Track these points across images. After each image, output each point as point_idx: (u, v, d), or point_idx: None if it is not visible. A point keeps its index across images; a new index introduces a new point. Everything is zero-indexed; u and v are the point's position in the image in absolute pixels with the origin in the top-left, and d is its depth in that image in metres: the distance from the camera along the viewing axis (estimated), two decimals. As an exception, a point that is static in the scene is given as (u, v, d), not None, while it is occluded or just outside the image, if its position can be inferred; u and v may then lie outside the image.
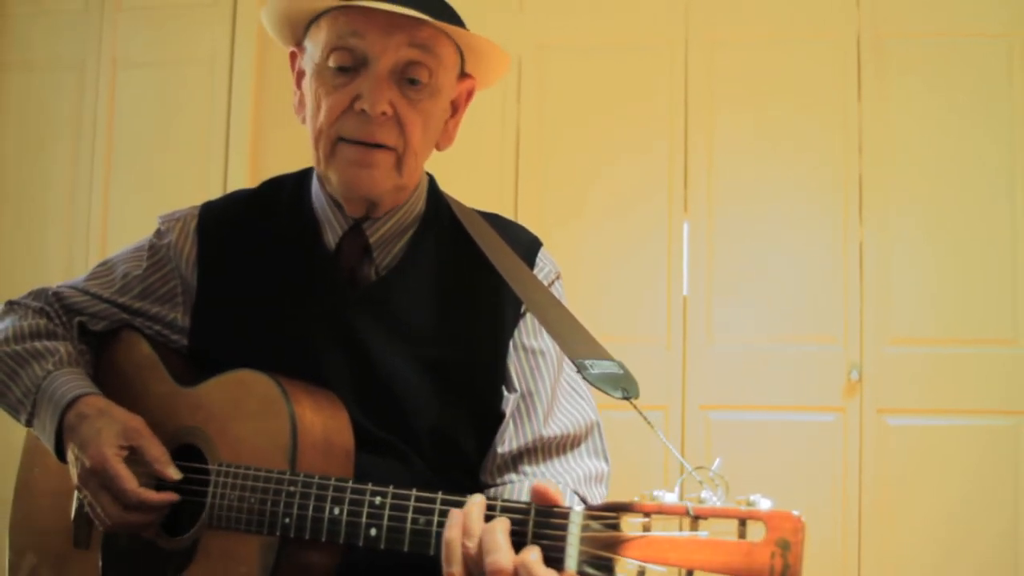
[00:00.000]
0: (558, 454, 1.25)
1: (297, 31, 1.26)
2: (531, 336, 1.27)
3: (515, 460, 1.24)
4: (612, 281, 3.03)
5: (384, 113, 1.17)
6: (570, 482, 1.22)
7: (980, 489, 2.83)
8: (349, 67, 1.18)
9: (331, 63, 1.19)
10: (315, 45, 1.21)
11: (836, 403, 2.90)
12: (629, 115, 3.09)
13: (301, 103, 1.26)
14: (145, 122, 3.32)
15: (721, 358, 2.98)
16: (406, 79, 1.18)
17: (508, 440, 1.24)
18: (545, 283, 1.29)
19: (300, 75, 1.26)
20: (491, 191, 3.08)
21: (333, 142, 1.20)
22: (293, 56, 1.29)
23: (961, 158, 2.92)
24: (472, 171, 3.03)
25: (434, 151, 1.29)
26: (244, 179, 3.18)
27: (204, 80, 3.28)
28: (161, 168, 3.27)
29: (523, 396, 1.25)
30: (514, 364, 1.26)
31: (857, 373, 2.88)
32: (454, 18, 1.22)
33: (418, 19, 1.16)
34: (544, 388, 1.26)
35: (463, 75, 1.28)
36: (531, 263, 1.30)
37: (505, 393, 1.26)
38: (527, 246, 1.32)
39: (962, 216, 2.91)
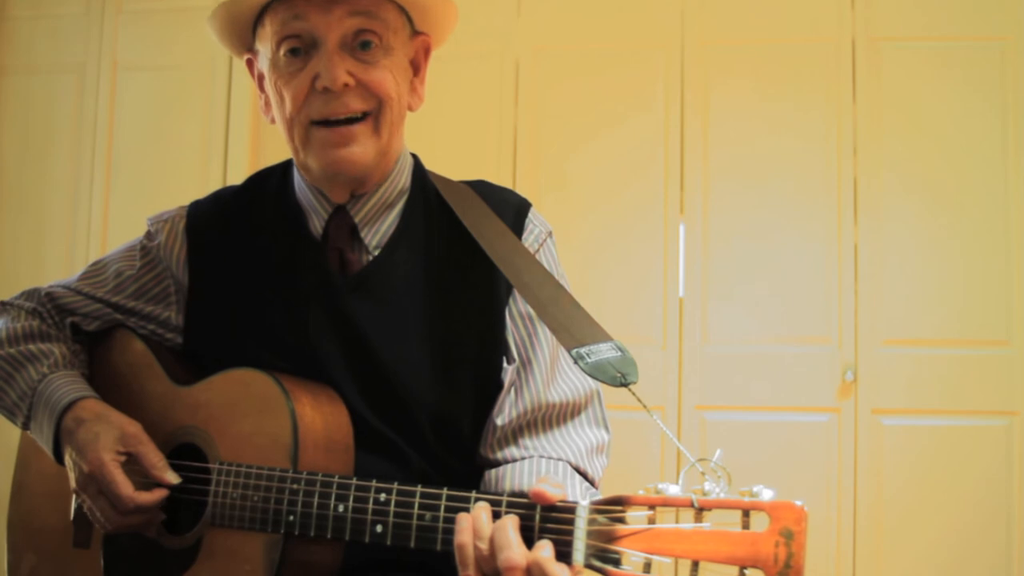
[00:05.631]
0: (559, 424, 1.24)
1: (245, 36, 1.27)
2: (527, 302, 1.24)
3: (515, 433, 1.23)
4: (608, 282, 3.04)
5: (346, 85, 1.18)
6: (571, 456, 1.21)
7: (974, 489, 2.84)
8: (301, 50, 1.19)
9: (283, 52, 1.20)
10: (265, 43, 1.23)
11: (831, 404, 2.91)
12: (625, 118, 3.10)
13: (267, 104, 1.27)
14: (145, 125, 3.31)
15: (717, 359, 2.99)
16: (358, 45, 1.20)
17: (508, 409, 1.23)
18: (536, 244, 1.28)
19: (261, 79, 1.27)
20: (488, 193, 3.08)
21: (306, 127, 1.21)
22: (250, 64, 1.30)
23: (955, 160, 2.94)
24: (469, 172, 3.02)
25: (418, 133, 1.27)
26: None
27: (204, 83, 3.28)
28: (161, 170, 3.27)
29: (522, 364, 1.24)
30: (512, 333, 1.25)
31: (852, 374, 2.89)
32: None
33: None
34: (543, 354, 1.25)
35: (415, 33, 1.28)
36: (520, 227, 1.28)
37: (504, 365, 1.24)
38: (515, 210, 1.30)
39: (956, 218, 2.93)
